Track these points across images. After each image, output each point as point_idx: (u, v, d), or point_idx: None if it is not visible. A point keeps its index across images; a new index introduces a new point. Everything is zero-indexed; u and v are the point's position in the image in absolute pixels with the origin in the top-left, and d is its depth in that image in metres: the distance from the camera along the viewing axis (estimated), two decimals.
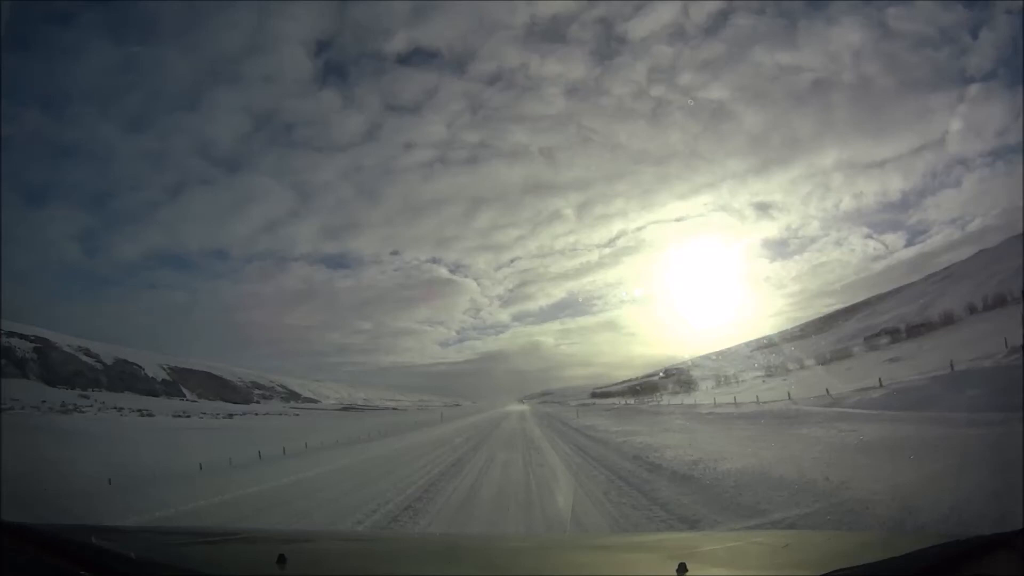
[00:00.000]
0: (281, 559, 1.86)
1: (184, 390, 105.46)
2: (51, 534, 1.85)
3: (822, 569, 1.56)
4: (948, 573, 1.59)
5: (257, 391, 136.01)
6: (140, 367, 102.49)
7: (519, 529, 6.00)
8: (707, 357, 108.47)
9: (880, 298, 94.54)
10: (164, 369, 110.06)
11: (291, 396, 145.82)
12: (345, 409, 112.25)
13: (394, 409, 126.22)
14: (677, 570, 1.60)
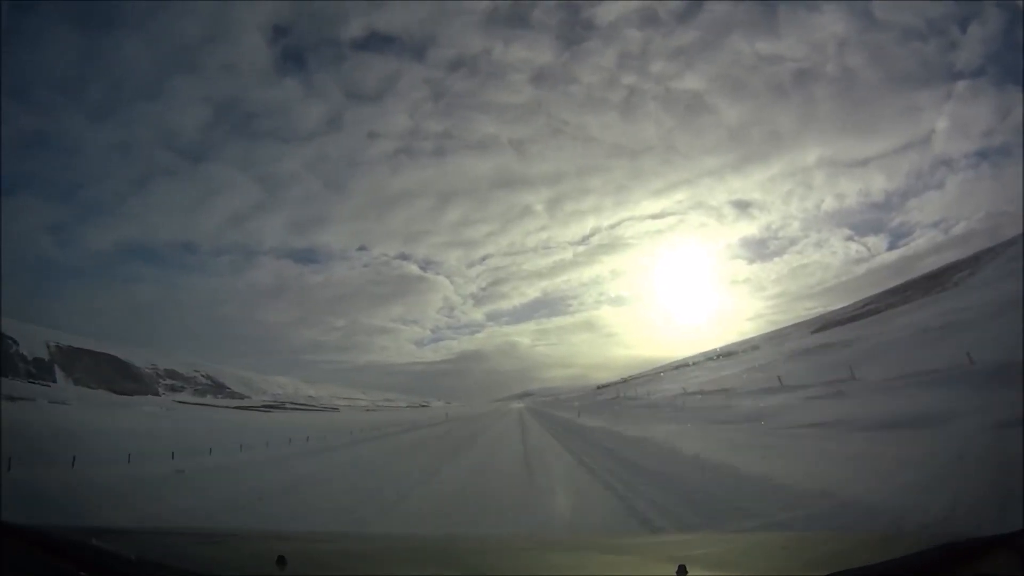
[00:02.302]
0: (281, 560, 1.84)
1: (61, 373, 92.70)
2: (51, 534, 1.81)
3: (822, 569, 1.63)
4: (948, 573, 1.66)
5: (168, 381, 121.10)
6: (14, 342, 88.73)
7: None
8: (709, 356, 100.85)
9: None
10: (48, 347, 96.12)
11: (215, 389, 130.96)
12: (266, 408, 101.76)
13: (334, 409, 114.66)
14: (677, 571, 1.63)
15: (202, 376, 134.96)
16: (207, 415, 66.44)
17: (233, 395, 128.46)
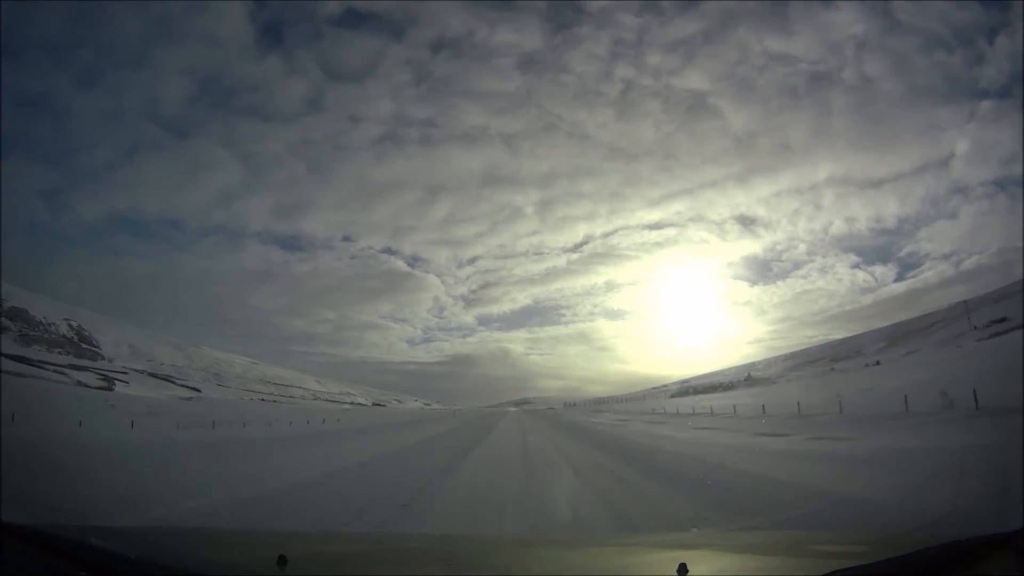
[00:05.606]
0: (281, 560, 1.85)
1: None
2: (51, 534, 1.82)
3: (822, 569, 1.62)
4: (948, 573, 1.67)
5: (20, 325, 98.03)
6: None
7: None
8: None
9: None
10: None
11: (66, 343, 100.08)
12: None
13: (195, 390, 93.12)
14: (677, 570, 1.64)
15: (68, 325, 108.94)
16: None
17: (85, 354, 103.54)
